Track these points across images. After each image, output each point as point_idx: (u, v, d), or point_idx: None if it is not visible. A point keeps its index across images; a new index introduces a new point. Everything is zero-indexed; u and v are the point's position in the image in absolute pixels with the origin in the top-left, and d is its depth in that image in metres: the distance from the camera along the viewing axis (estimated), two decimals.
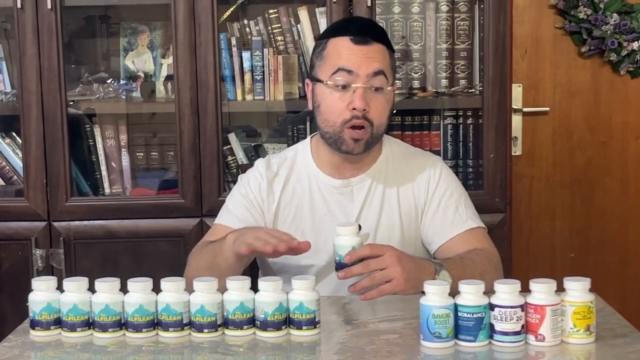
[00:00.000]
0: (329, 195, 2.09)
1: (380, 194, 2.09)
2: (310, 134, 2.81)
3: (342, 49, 2.03)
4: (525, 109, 3.40)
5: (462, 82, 2.88)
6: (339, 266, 1.79)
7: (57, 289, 1.68)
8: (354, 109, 2.00)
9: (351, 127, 2.01)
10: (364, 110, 2.00)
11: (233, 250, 1.87)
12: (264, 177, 2.13)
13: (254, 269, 2.24)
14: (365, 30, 2.07)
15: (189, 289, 1.66)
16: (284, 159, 2.16)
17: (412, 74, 2.88)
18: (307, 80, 2.14)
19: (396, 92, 2.16)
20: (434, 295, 1.56)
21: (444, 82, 2.88)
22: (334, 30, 2.13)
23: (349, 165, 2.10)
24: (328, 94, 2.04)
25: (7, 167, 2.87)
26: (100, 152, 2.87)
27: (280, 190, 2.12)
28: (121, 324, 1.64)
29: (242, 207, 2.12)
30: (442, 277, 1.81)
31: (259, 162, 2.19)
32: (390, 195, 2.10)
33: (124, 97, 2.91)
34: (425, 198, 2.11)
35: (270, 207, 2.12)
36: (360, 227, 1.92)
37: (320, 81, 2.06)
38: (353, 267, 1.78)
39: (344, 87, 2.02)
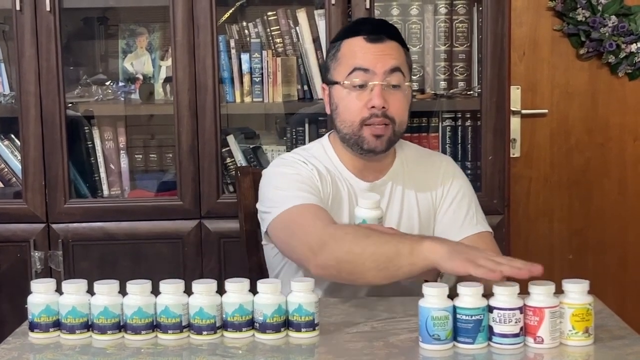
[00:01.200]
0: (357, 197, 2.07)
1: (399, 197, 2.09)
2: (309, 135, 2.83)
3: (357, 48, 2.02)
4: (523, 111, 3.40)
5: (461, 84, 2.89)
6: None
7: (56, 291, 1.67)
8: (373, 107, 1.98)
9: (371, 125, 1.99)
10: (383, 107, 1.98)
11: (436, 262, 1.66)
12: (312, 168, 2.05)
13: (252, 271, 2.24)
14: (378, 28, 2.06)
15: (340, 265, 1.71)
16: (312, 157, 2.09)
17: (411, 75, 2.88)
18: (323, 85, 2.12)
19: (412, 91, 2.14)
20: (433, 298, 1.56)
21: (443, 84, 2.89)
22: (347, 31, 2.11)
23: (370, 169, 2.08)
24: (345, 94, 2.02)
25: (6, 169, 2.87)
26: (99, 154, 2.87)
27: (330, 185, 2.05)
28: (120, 326, 1.64)
29: (312, 188, 1.99)
30: (447, 277, 1.80)
31: (292, 156, 2.09)
32: (409, 197, 2.09)
33: (122, 99, 2.92)
34: (440, 197, 2.11)
35: (325, 198, 2.03)
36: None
37: (336, 83, 2.04)
38: None
39: (361, 86, 2.00)
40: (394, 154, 2.12)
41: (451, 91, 2.89)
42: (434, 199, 2.11)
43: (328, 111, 2.10)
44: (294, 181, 2.00)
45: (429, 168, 2.14)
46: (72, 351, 1.60)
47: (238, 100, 2.84)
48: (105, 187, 2.87)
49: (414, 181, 2.11)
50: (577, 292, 1.57)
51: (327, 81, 2.09)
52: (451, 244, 1.73)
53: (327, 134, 2.16)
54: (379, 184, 2.08)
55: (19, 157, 2.79)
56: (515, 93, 3.34)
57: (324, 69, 2.13)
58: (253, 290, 1.65)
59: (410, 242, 1.73)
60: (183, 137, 2.73)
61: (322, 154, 2.11)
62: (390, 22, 2.22)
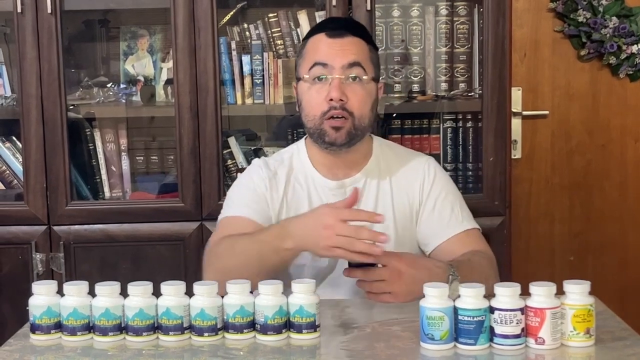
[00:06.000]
0: (325, 197, 2.09)
1: (373, 195, 2.09)
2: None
3: (319, 44, 2.06)
4: (524, 112, 3.41)
5: (462, 85, 2.89)
6: (348, 263, 1.85)
7: (57, 293, 1.68)
8: (331, 99, 2.01)
9: (330, 118, 2.02)
10: (341, 100, 2.01)
11: (301, 249, 1.84)
12: (265, 175, 2.12)
13: None
14: (341, 25, 2.10)
15: (220, 291, 1.64)
16: (280, 160, 2.16)
17: (412, 77, 2.88)
18: (294, 83, 2.16)
19: (381, 91, 2.14)
20: (430, 298, 1.57)
21: (444, 85, 2.89)
22: (314, 29, 2.16)
23: (341, 165, 2.10)
24: (306, 89, 2.06)
25: (7, 172, 2.88)
26: (100, 156, 2.87)
27: (282, 189, 2.10)
28: (121, 328, 1.64)
29: (252, 200, 2.08)
30: (453, 289, 1.79)
31: (257, 162, 2.18)
32: (383, 195, 2.10)
33: (123, 101, 2.92)
34: (419, 199, 2.11)
35: (274, 204, 2.09)
36: None
37: (300, 79, 2.08)
38: (355, 270, 1.84)
39: (321, 79, 2.03)
40: (370, 151, 2.13)
41: (452, 92, 2.89)
42: (413, 200, 2.11)
43: (297, 108, 2.13)
44: (240, 194, 2.12)
45: (408, 168, 2.14)
46: (73, 353, 1.61)
47: (239, 102, 2.84)
48: (106, 189, 2.88)
49: (391, 179, 2.12)
50: (578, 293, 1.57)
51: (296, 78, 2.12)
52: (303, 231, 1.80)
53: (305, 137, 2.19)
54: (348, 182, 2.10)
55: (21, 159, 2.79)
56: (516, 94, 3.34)
57: (295, 67, 2.16)
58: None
59: (272, 240, 1.85)
60: (184, 139, 2.73)
61: (294, 155, 2.16)
62: (357, 21, 2.25)
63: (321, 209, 1.83)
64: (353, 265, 1.84)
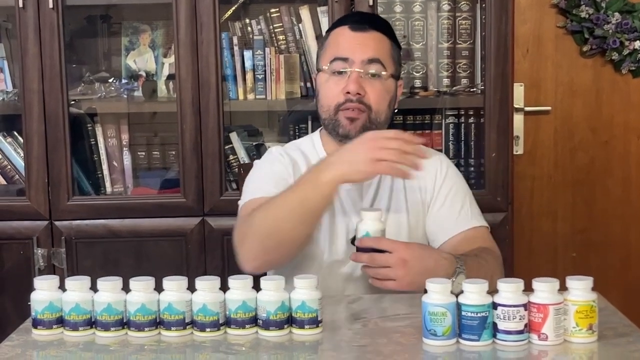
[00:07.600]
0: (341, 191, 2.08)
1: (387, 191, 2.09)
2: (313, 131, 2.83)
3: (340, 37, 2.07)
4: (527, 108, 3.40)
5: (464, 81, 2.89)
6: (356, 248, 1.87)
7: (59, 288, 1.67)
8: (348, 92, 2.01)
9: (345, 109, 2.02)
10: (358, 94, 2.01)
11: (345, 179, 1.80)
12: (288, 162, 2.09)
13: None
14: (365, 19, 2.10)
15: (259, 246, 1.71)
16: (298, 150, 2.13)
17: (414, 73, 2.88)
18: (314, 75, 2.16)
19: (401, 88, 2.15)
20: (433, 293, 1.57)
21: (446, 81, 2.89)
22: (337, 21, 2.17)
23: None
24: (325, 80, 2.06)
25: (9, 167, 2.87)
26: (102, 151, 2.87)
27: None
28: (123, 323, 1.64)
29: (276, 184, 2.01)
30: (459, 281, 1.79)
31: (276, 150, 2.15)
32: (397, 192, 2.09)
33: (125, 96, 2.92)
34: (431, 194, 2.10)
35: None
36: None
37: (320, 70, 2.08)
38: (362, 254, 1.85)
39: (341, 73, 2.03)
40: None
41: (454, 88, 2.89)
42: (425, 196, 2.11)
43: (314, 99, 2.14)
44: (264, 176, 2.06)
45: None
46: (75, 348, 1.60)
47: (241, 97, 2.84)
48: (108, 184, 2.88)
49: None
50: (581, 289, 1.57)
51: (316, 68, 2.13)
52: (343, 157, 1.78)
53: (319, 129, 2.18)
54: None
55: (22, 155, 2.79)
56: (519, 90, 3.34)
57: (316, 58, 2.17)
58: (256, 287, 1.65)
59: (309, 177, 1.81)
60: (186, 135, 2.73)
61: (309, 147, 2.13)
62: (383, 18, 2.24)
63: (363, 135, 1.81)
64: (360, 250, 1.85)
